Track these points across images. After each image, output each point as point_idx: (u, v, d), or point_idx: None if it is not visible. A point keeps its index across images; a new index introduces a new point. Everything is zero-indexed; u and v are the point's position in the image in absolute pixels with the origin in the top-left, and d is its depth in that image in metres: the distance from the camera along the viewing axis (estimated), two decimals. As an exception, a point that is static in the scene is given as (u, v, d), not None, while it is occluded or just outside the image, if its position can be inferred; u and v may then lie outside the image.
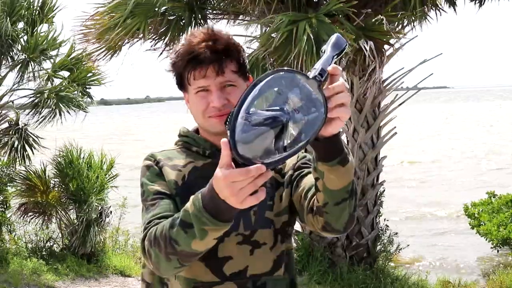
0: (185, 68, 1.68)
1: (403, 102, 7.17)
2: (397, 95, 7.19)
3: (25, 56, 7.72)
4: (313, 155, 1.52)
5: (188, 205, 1.46)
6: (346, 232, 1.62)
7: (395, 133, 7.12)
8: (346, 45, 1.43)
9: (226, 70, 1.66)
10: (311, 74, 1.35)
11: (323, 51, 1.41)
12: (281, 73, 1.33)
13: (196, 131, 1.83)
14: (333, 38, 1.42)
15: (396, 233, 7.49)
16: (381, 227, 7.34)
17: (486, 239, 9.24)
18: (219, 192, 1.35)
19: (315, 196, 1.61)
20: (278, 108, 1.29)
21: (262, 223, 1.71)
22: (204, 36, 1.67)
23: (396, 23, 6.79)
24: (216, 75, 1.65)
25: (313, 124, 1.31)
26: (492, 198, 9.75)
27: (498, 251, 9.51)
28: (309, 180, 1.70)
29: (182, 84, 1.73)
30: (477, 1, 7.69)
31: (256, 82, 1.32)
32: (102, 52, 7.00)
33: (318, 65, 1.36)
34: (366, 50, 5.64)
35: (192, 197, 1.46)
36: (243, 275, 1.69)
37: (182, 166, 1.74)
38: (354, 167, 1.52)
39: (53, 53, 7.98)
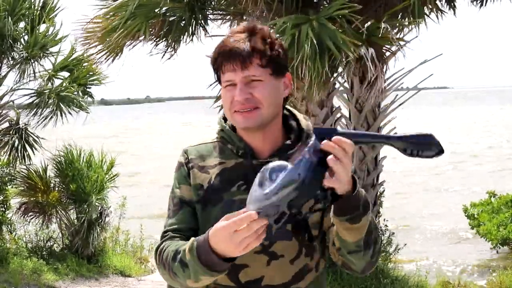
0: (217, 62, 1.70)
1: (403, 103, 7.17)
2: (397, 95, 7.20)
3: (25, 54, 7.71)
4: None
5: (187, 248, 1.52)
6: (364, 274, 1.65)
7: (395, 133, 7.11)
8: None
9: (252, 64, 1.65)
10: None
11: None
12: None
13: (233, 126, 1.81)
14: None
15: (393, 233, 7.49)
16: (380, 228, 7.34)
17: (486, 239, 9.25)
18: (214, 245, 1.45)
19: None
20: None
21: (281, 235, 1.66)
22: (241, 30, 1.69)
23: (396, 25, 6.79)
24: (241, 69, 1.65)
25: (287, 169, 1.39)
26: (492, 198, 9.76)
27: (497, 251, 9.53)
28: None
29: (219, 78, 1.74)
30: (478, 2, 7.70)
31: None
32: (104, 55, 7.01)
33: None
34: (367, 60, 5.61)
35: (191, 239, 1.53)
36: (258, 284, 1.68)
37: (211, 167, 1.75)
38: (368, 225, 1.51)
39: (54, 49, 7.97)
